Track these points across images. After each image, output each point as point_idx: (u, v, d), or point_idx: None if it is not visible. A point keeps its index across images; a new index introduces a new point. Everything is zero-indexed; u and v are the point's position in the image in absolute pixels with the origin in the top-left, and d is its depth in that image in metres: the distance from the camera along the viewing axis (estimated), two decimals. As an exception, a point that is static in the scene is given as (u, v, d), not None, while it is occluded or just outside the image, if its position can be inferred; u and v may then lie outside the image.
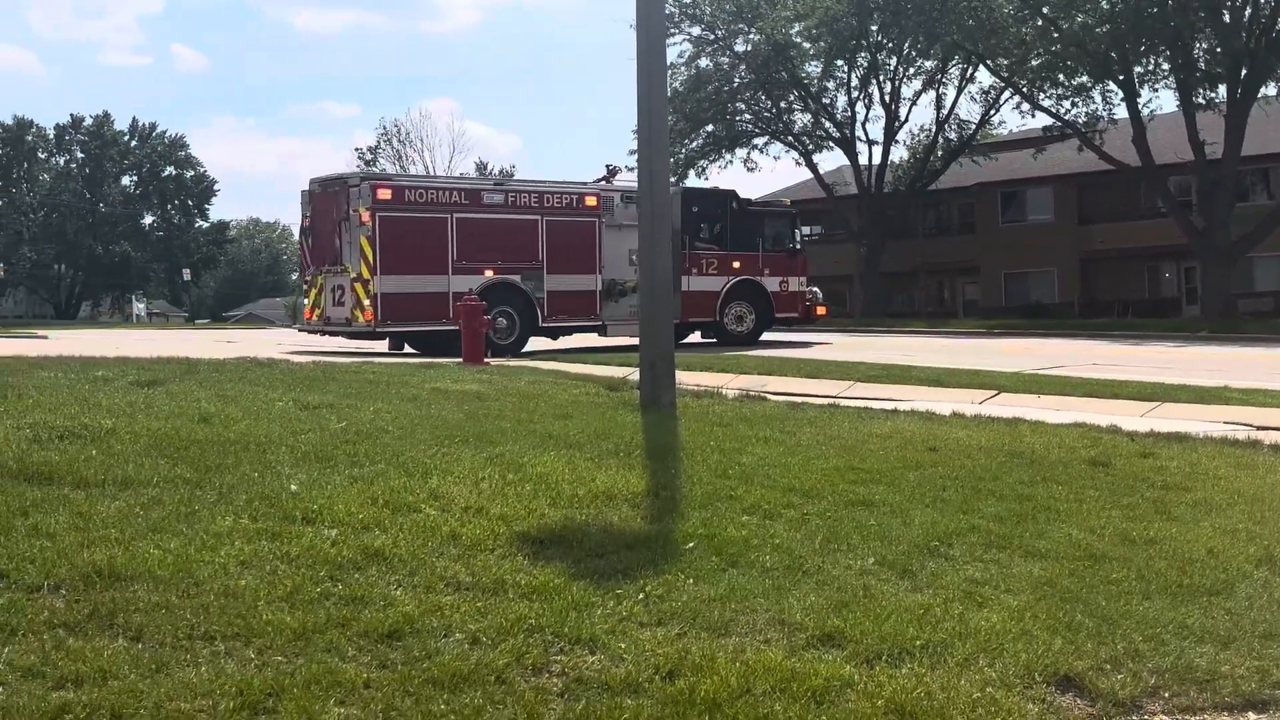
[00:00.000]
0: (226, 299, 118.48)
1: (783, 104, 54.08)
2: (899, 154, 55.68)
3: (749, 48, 51.55)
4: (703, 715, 3.99)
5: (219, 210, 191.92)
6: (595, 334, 23.37)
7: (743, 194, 26.64)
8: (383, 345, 22.47)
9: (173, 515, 5.58)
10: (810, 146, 55.17)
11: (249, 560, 5.05)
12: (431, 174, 23.18)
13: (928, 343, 29.64)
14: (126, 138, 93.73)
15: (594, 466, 7.17)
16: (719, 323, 24.86)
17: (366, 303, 20.29)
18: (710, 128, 53.95)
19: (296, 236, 25.45)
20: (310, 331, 22.73)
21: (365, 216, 20.26)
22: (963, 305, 59.52)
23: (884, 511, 6.61)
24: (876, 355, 20.20)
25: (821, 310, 27.85)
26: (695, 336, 25.42)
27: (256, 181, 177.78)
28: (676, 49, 52.48)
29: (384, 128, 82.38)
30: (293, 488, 6.14)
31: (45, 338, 29.53)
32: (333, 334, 22.24)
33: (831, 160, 60.59)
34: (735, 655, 4.45)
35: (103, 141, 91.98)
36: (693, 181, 51.78)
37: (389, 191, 20.73)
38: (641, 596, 4.98)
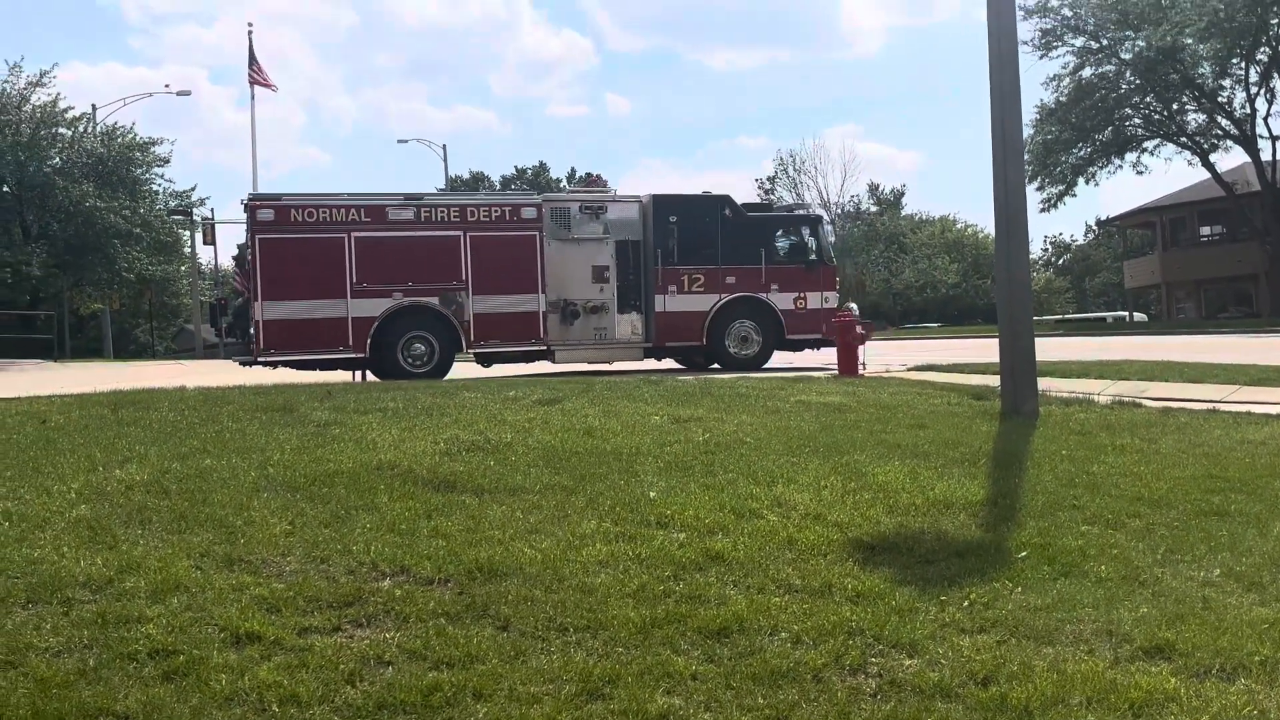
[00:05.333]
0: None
1: (1174, 106, 50.09)
2: (1306, 148, 50.09)
3: (1135, 54, 48.10)
4: (1012, 722, 3.81)
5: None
6: (542, 359, 19.80)
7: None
8: (345, 375, 18.71)
9: (548, 519, 5.95)
10: (1205, 146, 50.75)
11: (606, 560, 5.29)
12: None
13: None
14: (560, 183, 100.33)
15: (936, 475, 6.96)
16: (712, 346, 20.15)
17: (253, 330, 17.99)
18: (1098, 136, 50.79)
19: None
20: (243, 361, 19.29)
21: (251, 240, 18.09)
22: (1387, 301, 52.55)
23: (1239, 522, 6.01)
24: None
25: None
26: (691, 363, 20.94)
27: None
28: (1059, 61, 50.00)
29: (780, 158, 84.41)
30: (651, 494, 6.37)
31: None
32: (249, 364, 19.02)
33: (1229, 160, 55.15)
34: (1054, 664, 4.20)
35: (540, 189, 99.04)
36: (1082, 189, 48.75)
37: (271, 212, 18.14)
38: (966, 604, 4.80)
